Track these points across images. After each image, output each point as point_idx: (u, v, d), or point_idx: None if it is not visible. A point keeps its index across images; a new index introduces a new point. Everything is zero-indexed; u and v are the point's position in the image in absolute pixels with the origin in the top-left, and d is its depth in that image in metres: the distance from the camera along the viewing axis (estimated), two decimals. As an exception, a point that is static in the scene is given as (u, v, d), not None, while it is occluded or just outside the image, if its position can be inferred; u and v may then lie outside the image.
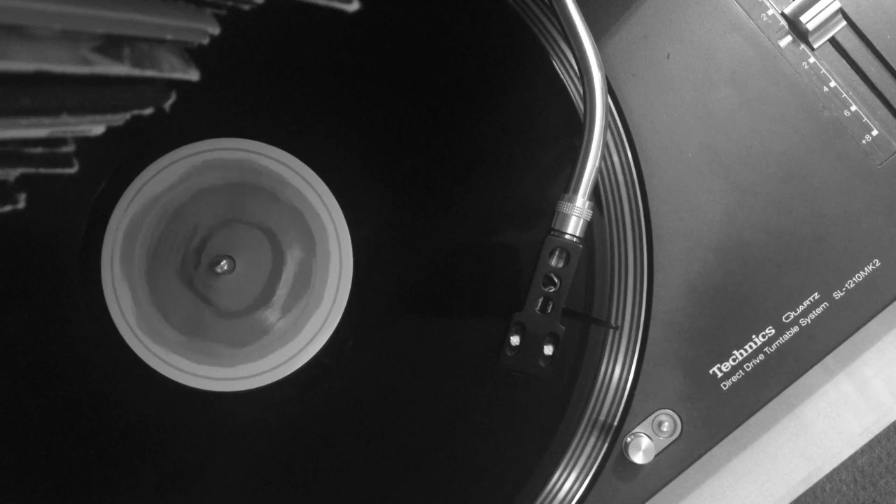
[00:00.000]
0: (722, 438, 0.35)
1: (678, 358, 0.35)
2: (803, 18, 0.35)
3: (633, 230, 0.35)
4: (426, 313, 0.36)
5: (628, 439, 0.34)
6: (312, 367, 0.36)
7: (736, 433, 0.35)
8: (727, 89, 0.35)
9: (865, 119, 0.35)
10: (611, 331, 0.35)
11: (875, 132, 0.35)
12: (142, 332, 0.36)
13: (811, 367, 0.35)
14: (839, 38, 0.35)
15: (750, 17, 0.36)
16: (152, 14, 0.20)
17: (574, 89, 0.35)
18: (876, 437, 0.39)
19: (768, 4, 0.36)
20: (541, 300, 0.32)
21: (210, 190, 0.36)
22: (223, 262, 0.36)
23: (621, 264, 0.35)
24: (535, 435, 0.35)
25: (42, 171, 0.21)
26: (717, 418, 0.35)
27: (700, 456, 0.35)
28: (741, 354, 0.35)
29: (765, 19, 0.36)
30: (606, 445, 0.34)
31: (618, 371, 0.35)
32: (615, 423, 0.34)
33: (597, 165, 0.31)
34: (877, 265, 0.35)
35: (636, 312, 0.35)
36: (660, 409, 0.35)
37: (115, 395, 0.36)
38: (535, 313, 0.32)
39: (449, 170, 0.36)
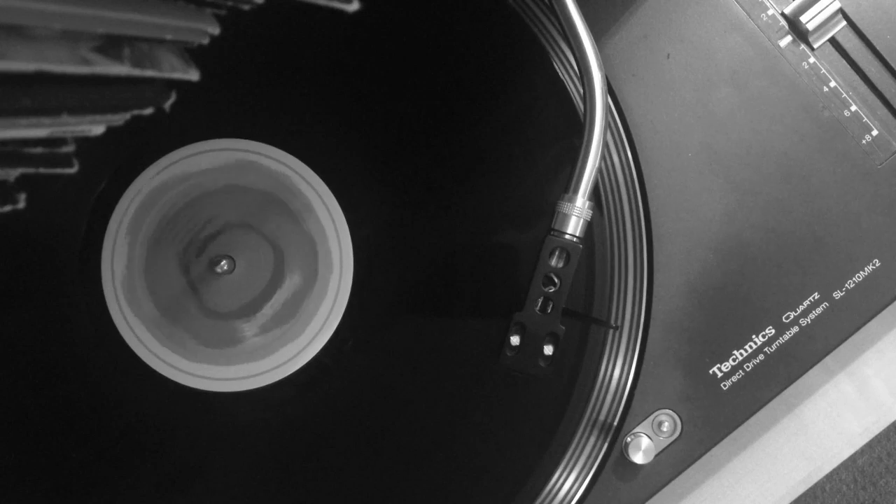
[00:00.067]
0: (722, 438, 0.35)
1: (678, 358, 0.35)
2: (803, 18, 0.35)
3: (633, 230, 0.35)
4: (426, 313, 0.36)
5: (628, 439, 0.34)
6: (312, 367, 0.36)
7: (736, 433, 0.35)
8: (727, 89, 0.35)
9: (865, 119, 0.35)
10: (611, 331, 0.35)
11: (875, 132, 0.35)
12: (142, 332, 0.36)
13: (811, 367, 0.35)
14: (839, 38, 0.35)
15: (750, 17, 0.36)
16: (152, 14, 0.20)
17: (574, 89, 0.35)
18: (876, 437, 0.39)
19: (768, 4, 0.36)
20: (541, 300, 0.32)
21: (239, 189, 0.36)
22: (224, 262, 0.36)
23: (621, 264, 0.35)
24: (535, 435, 0.35)
25: (42, 171, 0.21)
26: (717, 418, 0.35)
27: (700, 456, 0.35)
28: (741, 354, 0.35)
29: (765, 19, 0.36)
30: (606, 445, 0.34)
31: (618, 371, 0.35)
32: (615, 423, 0.34)
33: (597, 165, 0.31)
34: (877, 265, 0.35)
35: (636, 312, 0.35)
36: (660, 409, 0.35)
37: (115, 395, 0.36)
38: (535, 313, 0.32)
39: (449, 170, 0.36)
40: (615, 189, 0.35)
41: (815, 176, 0.35)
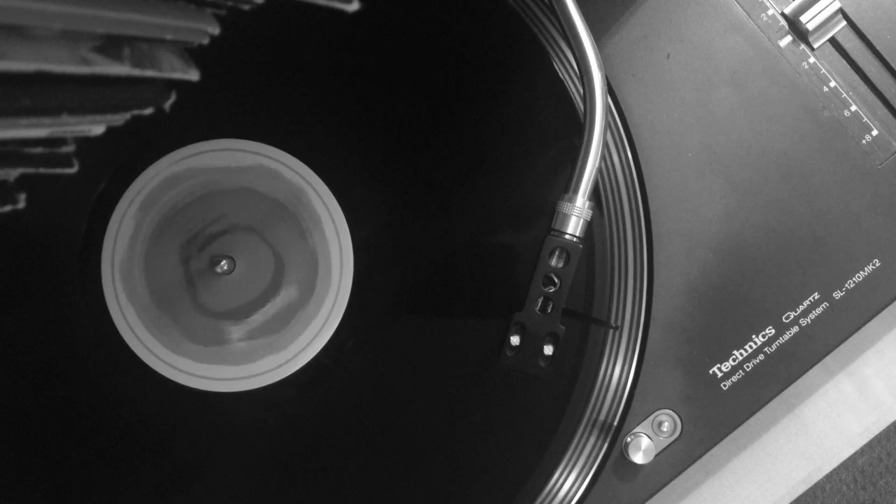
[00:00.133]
0: (722, 438, 0.35)
1: (678, 358, 0.35)
2: (803, 18, 0.35)
3: (633, 230, 0.35)
4: (426, 313, 0.36)
5: (628, 439, 0.34)
6: (313, 367, 0.36)
7: (736, 433, 0.35)
8: (727, 89, 0.35)
9: (865, 119, 0.35)
10: (611, 331, 0.35)
11: (875, 132, 0.35)
12: (142, 332, 0.36)
13: (811, 367, 0.35)
14: (839, 38, 0.35)
15: (750, 17, 0.36)
16: (152, 14, 0.20)
17: (574, 89, 0.35)
18: (876, 437, 0.39)
19: (768, 4, 0.36)
20: (541, 300, 0.32)
21: (255, 194, 0.36)
22: (224, 262, 0.36)
23: (621, 264, 0.35)
24: (535, 435, 0.35)
25: (42, 171, 0.21)
26: (717, 418, 0.35)
27: (700, 456, 0.35)
28: (741, 354, 0.35)
29: (765, 19, 0.36)
30: (606, 445, 0.34)
31: (618, 371, 0.35)
32: (615, 423, 0.34)
33: (597, 165, 0.31)
34: (877, 265, 0.35)
35: (636, 312, 0.35)
36: (660, 409, 0.35)
37: (115, 395, 0.36)
38: (535, 313, 0.32)
39: (449, 170, 0.36)
40: (615, 189, 0.35)
41: (815, 176, 0.35)
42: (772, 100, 0.35)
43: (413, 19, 0.36)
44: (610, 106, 0.35)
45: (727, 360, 0.35)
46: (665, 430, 0.34)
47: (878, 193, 0.35)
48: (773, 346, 0.35)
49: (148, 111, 0.22)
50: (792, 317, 0.35)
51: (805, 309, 0.35)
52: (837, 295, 0.35)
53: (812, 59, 0.35)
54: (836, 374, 0.38)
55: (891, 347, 0.38)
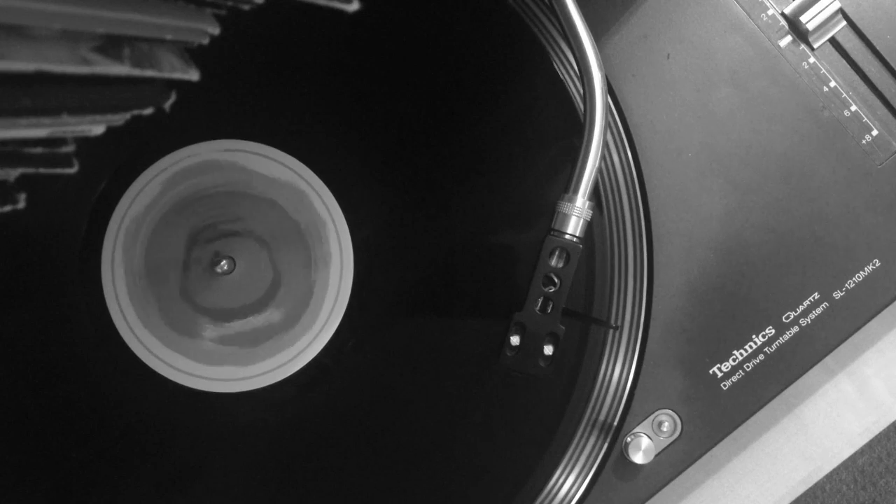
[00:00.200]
0: (722, 438, 0.35)
1: (678, 358, 0.35)
2: (803, 18, 0.35)
3: (633, 230, 0.35)
4: (426, 313, 0.36)
5: (628, 439, 0.34)
6: (313, 367, 0.36)
7: (736, 433, 0.35)
8: (727, 89, 0.35)
9: (865, 119, 0.35)
10: (611, 331, 0.35)
11: (875, 132, 0.35)
12: (141, 332, 0.36)
13: (811, 367, 0.35)
14: (839, 38, 0.35)
15: (750, 17, 0.36)
16: (152, 14, 0.20)
17: (574, 89, 0.35)
18: (876, 437, 0.39)
19: (768, 4, 0.36)
20: (541, 300, 0.32)
21: (279, 209, 0.36)
22: (224, 263, 0.36)
23: (621, 264, 0.35)
24: (535, 435, 0.35)
25: (42, 171, 0.21)
26: (717, 418, 0.35)
27: (700, 456, 0.35)
28: (741, 354, 0.35)
29: (765, 19, 0.36)
30: (606, 445, 0.34)
31: (618, 371, 0.35)
32: (615, 423, 0.34)
33: (597, 165, 0.31)
34: (877, 265, 0.35)
35: (636, 312, 0.35)
36: (660, 409, 0.35)
37: (115, 395, 0.36)
38: (535, 313, 0.32)
39: (449, 170, 0.36)
40: (615, 189, 0.35)
41: (815, 176, 0.35)
42: (772, 100, 0.35)
43: (413, 19, 0.36)
44: (610, 106, 0.35)
45: (727, 360, 0.35)
46: (665, 430, 0.34)
47: (878, 193, 0.35)
48: (773, 346, 0.35)
49: (148, 111, 0.22)
50: (792, 317, 0.35)
51: (805, 309, 0.35)
52: (837, 295, 0.35)
53: (812, 59, 0.35)
54: (836, 374, 0.38)
55: (891, 347, 0.38)
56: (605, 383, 0.35)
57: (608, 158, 0.35)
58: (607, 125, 0.33)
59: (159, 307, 0.36)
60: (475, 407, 0.35)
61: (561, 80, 0.35)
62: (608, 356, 0.35)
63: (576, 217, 0.32)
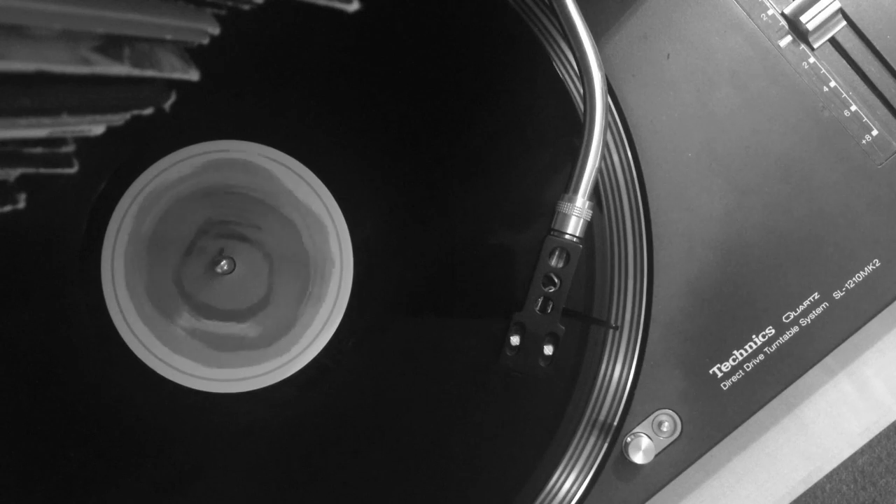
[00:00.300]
0: (722, 438, 0.35)
1: (678, 358, 0.35)
2: (803, 18, 0.35)
3: (633, 230, 0.35)
4: (426, 313, 0.36)
5: (628, 439, 0.34)
6: (312, 367, 0.36)
7: (736, 433, 0.35)
8: (727, 89, 0.35)
9: (865, 119, 0.35)
10: (611, 331, 0.35)
11: (875, 132, 0.35)
12: (141, 332, 0.36)
13: (811, 367, 0.35)
14: (839, 38, 0.35)
15: (750, 17, 0.36)
16: (152, 14, 0.20)
17: (574, 89, 0.35)
18: (876, 437, 0.39)
19: (768, 4, 0.36)
20: (541, 300, 0.32)
21: (294, 231, 0.36)
22: (225, 262, 0.36)
23: (621, 264, 0.35)
24: (535, 435, 0.35)
25: (42, 171, 0.21)
26: (717, 418, 0.35)
27: (700, 456, 0.35)
28: (741, 354, 0.35)
29: (765, 19, 0.36)
30: (606, 445, 0.34)
31: (618, 371, 0.35)
32: (615, 423, 0.34)
33: (597, 165, 0.31)
34: (877, 265, 0.35)
35: (636, 312, 0.35)
36: (660, 409, 0.35)
37: (115, 396, 0.36)
38: (535, 313, 0.32)
39: (449, 170, 0.36)
40: (615, 189, 0.35)
41: (815, 176, 0.35)
42: (772, 100, 0.35)
43: (413, 19, 0.36)
44: (610, 106, 0.35)
45: (727, 360, 0.35)
46: (665, 430, 0.34)
47: (878, 193, 0.35)
48: (773, 346, 0.35)
49: (148, 111, 0.22)
50: (792, 317, 0.35)
51: (805, 309, 0.35)
52: (837, 295, 0.35)
53: (812, 59, 0.35)
54: (836, 374, 0.38)
55: (891, 347, 0.38)
56: (605, 383, 0.35)
57: (608, 158, 0.35)
58: (607, 125, 0.33)
59: (149, 277, 0.36)
60: (475, 407, 0.35)
61: (561, 80, 0.35)
62: (608, 356, 0.35)
63: (576, 217, 0.32)
